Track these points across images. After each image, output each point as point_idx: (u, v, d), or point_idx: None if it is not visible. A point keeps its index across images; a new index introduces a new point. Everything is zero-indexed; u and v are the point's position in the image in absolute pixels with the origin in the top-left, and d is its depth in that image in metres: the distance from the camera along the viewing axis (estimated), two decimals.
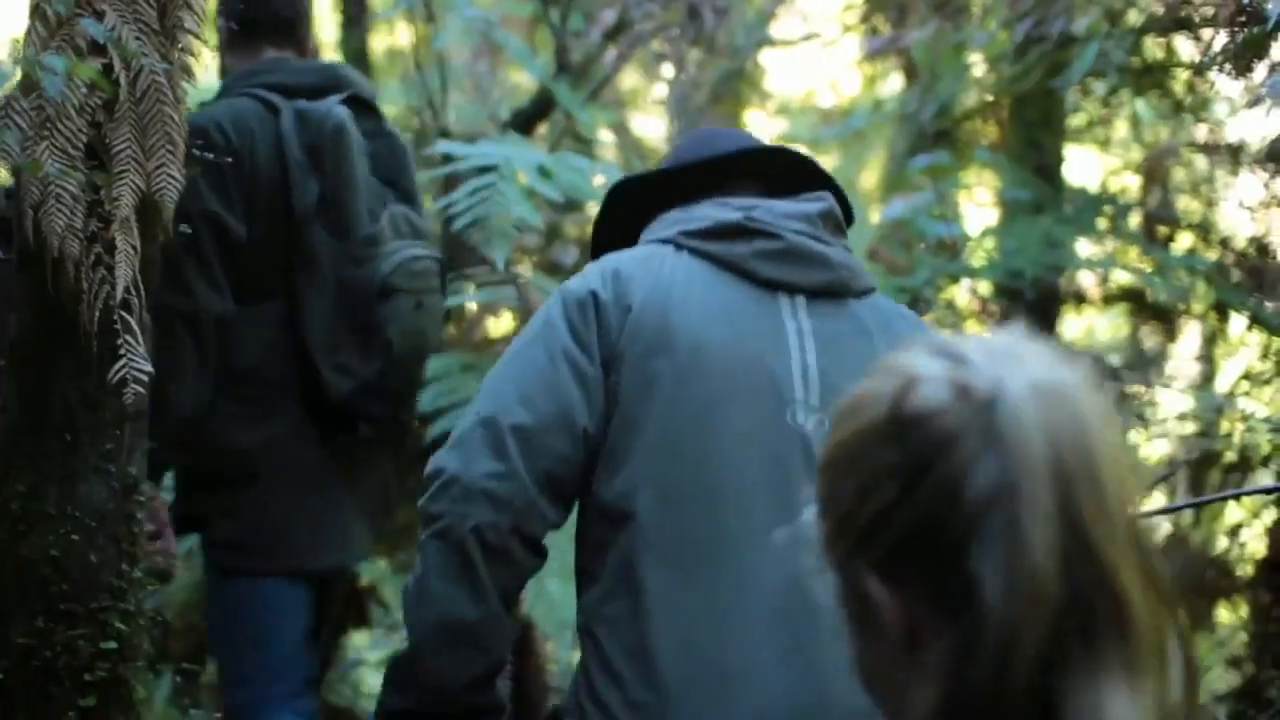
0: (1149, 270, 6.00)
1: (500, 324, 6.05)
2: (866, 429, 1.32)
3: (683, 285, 2.67)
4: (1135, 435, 5.48)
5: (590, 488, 2.62)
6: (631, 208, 2.90)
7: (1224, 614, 6.80)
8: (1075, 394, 1.27)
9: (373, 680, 6.42)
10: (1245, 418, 5.34)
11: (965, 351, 1.30)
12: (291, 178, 3.80)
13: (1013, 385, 1.26)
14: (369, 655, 6.59)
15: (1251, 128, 6.27)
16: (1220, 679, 6.58)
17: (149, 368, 2.86)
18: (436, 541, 2.54)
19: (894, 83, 8.80)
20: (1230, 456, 5.46)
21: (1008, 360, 1.28)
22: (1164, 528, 6.58)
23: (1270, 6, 3.93)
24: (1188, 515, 6.53)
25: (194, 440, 3.74)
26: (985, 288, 6.45)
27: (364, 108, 4.01)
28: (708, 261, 2.71)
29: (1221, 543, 6.44)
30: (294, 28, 4.03)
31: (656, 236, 2.79)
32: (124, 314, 2.86)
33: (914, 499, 1.27)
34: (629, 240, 2.85)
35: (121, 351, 2.84)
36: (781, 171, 2.85)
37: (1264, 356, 5.68)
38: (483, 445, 2.54)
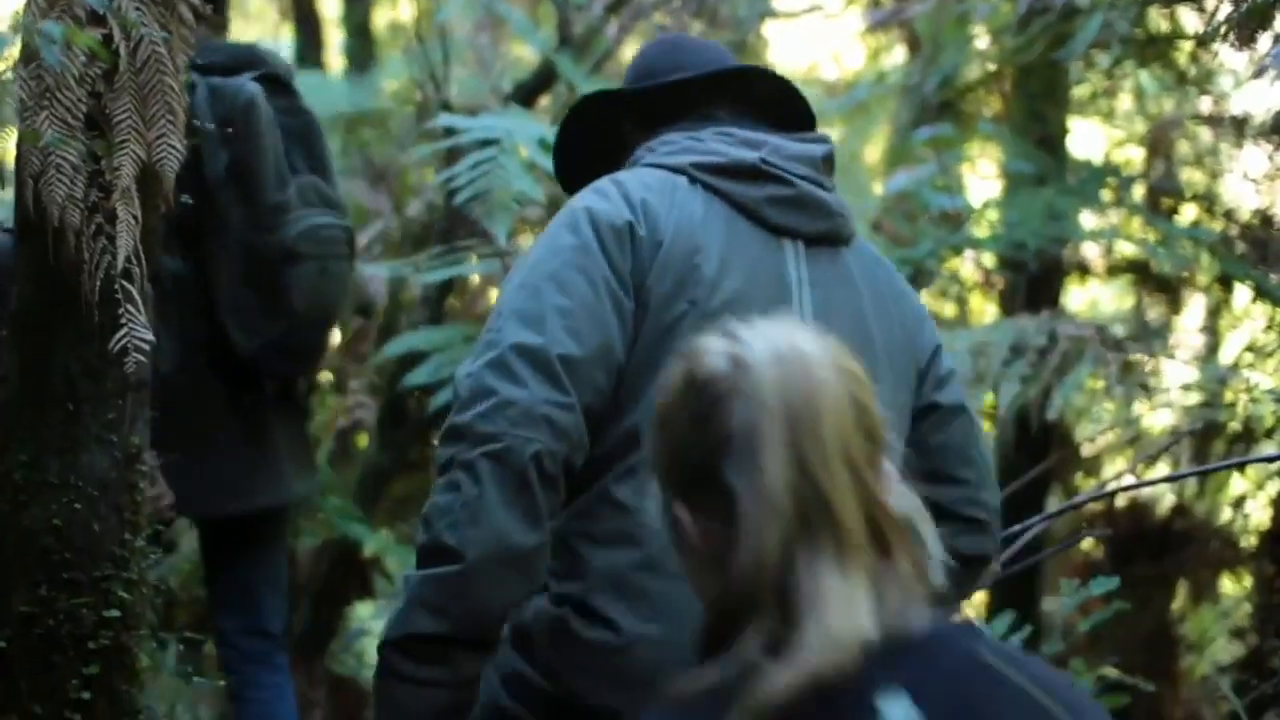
0: (1153, 241, 5.99)
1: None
2: (673, 395, 1.79)
3: (703, 225, 2.65)
4: (1139, 406, 5.47)
5: (598, 435, 2.58)
6: (602, 122, 2.89)
7: (1228, 585, 6.81)
8: (809, 360, 1.69)
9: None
10: (1250, 389, 5.34)
11: (740, 332, 1.76)
12: (203, 148, 3.95)
13: (761, 354, 1.70)
14: (373, 625, 6.61)
15: (1256, 100, 6.27)
16: (1224, 650, 6.60)
17: (150, 336, 2.86)
18: (492, 463, 2.44)
19: (897, 55, 8.78)
20: (1235, 427, 5.46)
21: (765, 337, 1.73)
22: (1168, 499, 6.60)
23: None
24: (1192, 486, 6.54)
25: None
26: (989, 259, 6.44)
27: (279, 86, 4.19)
28: (723, 201, 2.70)
29: (1226, 514, 6.45)
30: (217, 10, 4.15)
31: (665, 163, 2.74)
32: (125, 283, 2.86)
33: (698, 442, 1.74)
34: (601, 157, 2.85)
35: (123, 321, 2.84)
36: (762, 94, 2.84)
37: (1269, 328, 5.68)
38: (534, 371, 2.48)
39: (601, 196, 2.66)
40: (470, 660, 2.47)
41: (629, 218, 2.61)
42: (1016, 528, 4.05)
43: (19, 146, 2.87)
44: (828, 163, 2.81)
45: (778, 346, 1.72)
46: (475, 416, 2.46)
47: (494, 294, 6.08)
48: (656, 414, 1.82)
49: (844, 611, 1.61)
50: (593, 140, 2.90)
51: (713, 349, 1.76)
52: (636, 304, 2.59)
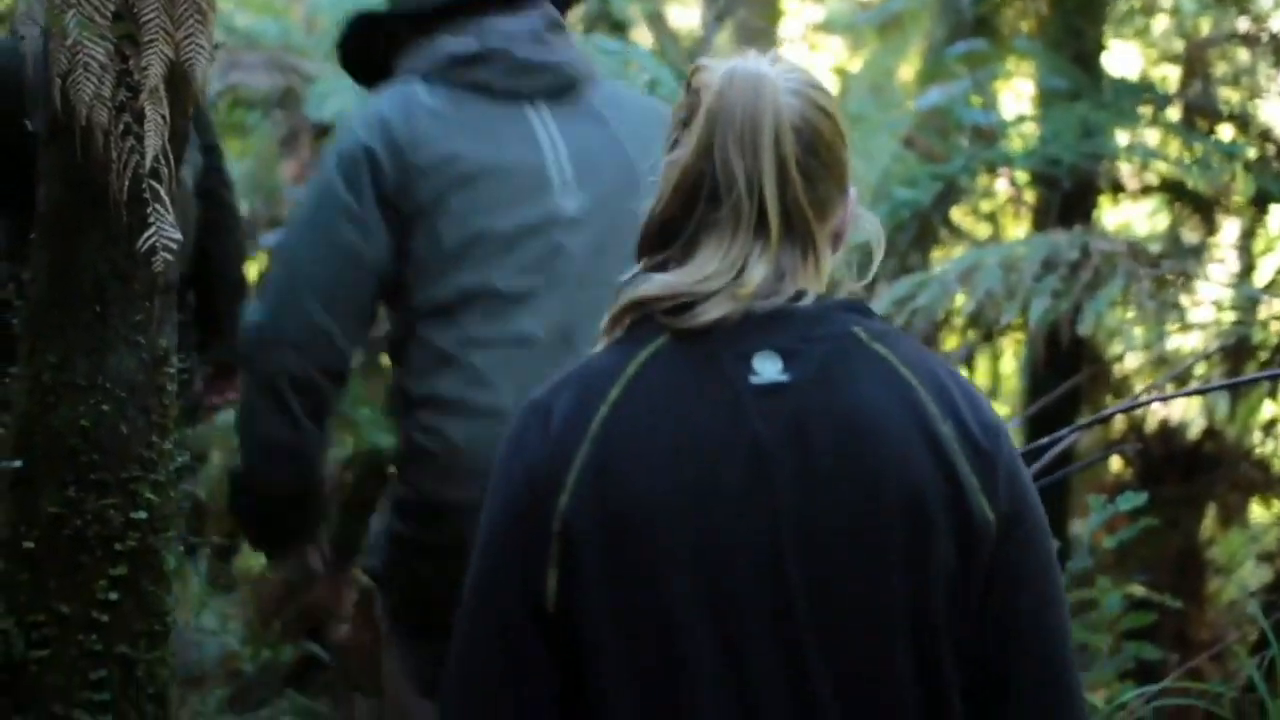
0: (1189, 160, 5.93)
1: None
2: (680, 101, 1.97)
3: (440, 113, 3.17)
4: (1171, 325, 5.44)
5: (407, 303, 3.18)
6: (373, 40, 3.36)
7: (1258, 510, 6.80)
8: (761, 77, 1.91)
9: None
10: None
11: (731, 61, 1.95)
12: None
13: (730, 72, 1.92)
14: None
15: None
16: (1252, 574, 6.59)
17: (179, 236, 2.85)
18: (251, 379, 3.20)
19: None
20: (1269, 342, 5.43)
21: (742, 62, 1.94)
22: (1198, 422, 6.58)
23: None
24: (1222, 409, 6.51)
25: None
26: (1022, 176, 6.39)
27: None
28: (456, 88, 3.20)
29: (1256, 438, 6.43)
30: None
31: (405, 69, 3.25)
32: (153, 183, 2.85)
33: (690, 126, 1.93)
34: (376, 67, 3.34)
35: (151, 221, 2.83)
36: None
37: None
38: (284, 303, 3.13)
39: (348, 132, 3.21)
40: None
41: (367, 144, 3.14)
42: (1044, 440, 4.03)
43: (47, 44, 2.85)
44: (548, 26, 3.27)
45: (742, 67, 1.95)
46: (241, 345, 3.20)
47: None
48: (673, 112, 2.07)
49: (724, 269, 1.88)
50: (376, 57, 3.37)
51: (711, 67, 1.97)
52: (399, 211, 3.14)
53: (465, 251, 3.14)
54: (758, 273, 1.87)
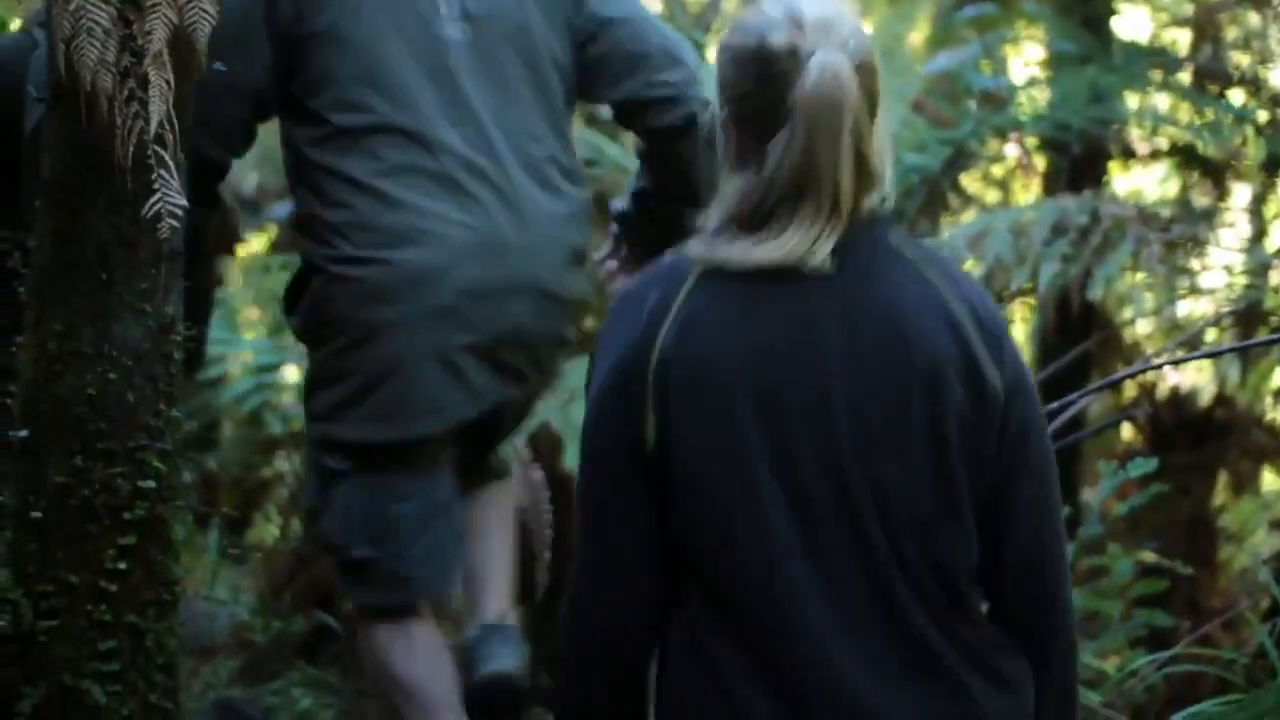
0: (1199, 124, 5.90)
1: None
2: (747, 55, 2.25)
3: None
4: (1181, 289, 5.42)
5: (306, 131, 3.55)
6: None
7: (1269, 477, 6.79)
8: (841, 75, 2.19)
9: None
10: None
11: (801, 11, 2.23)
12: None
13: (819, 69, 2.19)
14: None
15: None
16: (1264, 541, 6.59)
17: (184, 203, 2.83)
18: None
19: None
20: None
21: (825, 55, 2.19)
22: (1209, 390, 6.57)
23: None
24: (1234, 377, 6.49)
25: None
26: (1031, 141, 6.36)
27: None
28: None
29: (1267, 405, 6.42)
30: None
31: None
32: (158, 149, 2.84)
33: (762, 93, 2.23)
34: None
35: (156, 187, 2.81)
36: None
37: None
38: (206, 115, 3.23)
39: None
40: None
41: None
42: (1054, 405, 4.02)
43: (50, 9, 2.84)
44: None
45: (842, 36, 2.22)
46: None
47: None
48: (731, 58, 2.29)
49: (802, 247, 2.22)
50: None
51: (778, 26, 2.23)
52: (290, 38, 3.49)
53: (365, 82, 3.49)
54: (827, 247, 2.23)
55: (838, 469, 2.22)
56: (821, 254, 2.22)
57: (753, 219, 2.25)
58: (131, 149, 2.81)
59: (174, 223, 2.81)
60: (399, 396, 3.51)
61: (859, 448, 2.22)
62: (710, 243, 2.28)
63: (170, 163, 2.82)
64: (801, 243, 2.22)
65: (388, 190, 3.48)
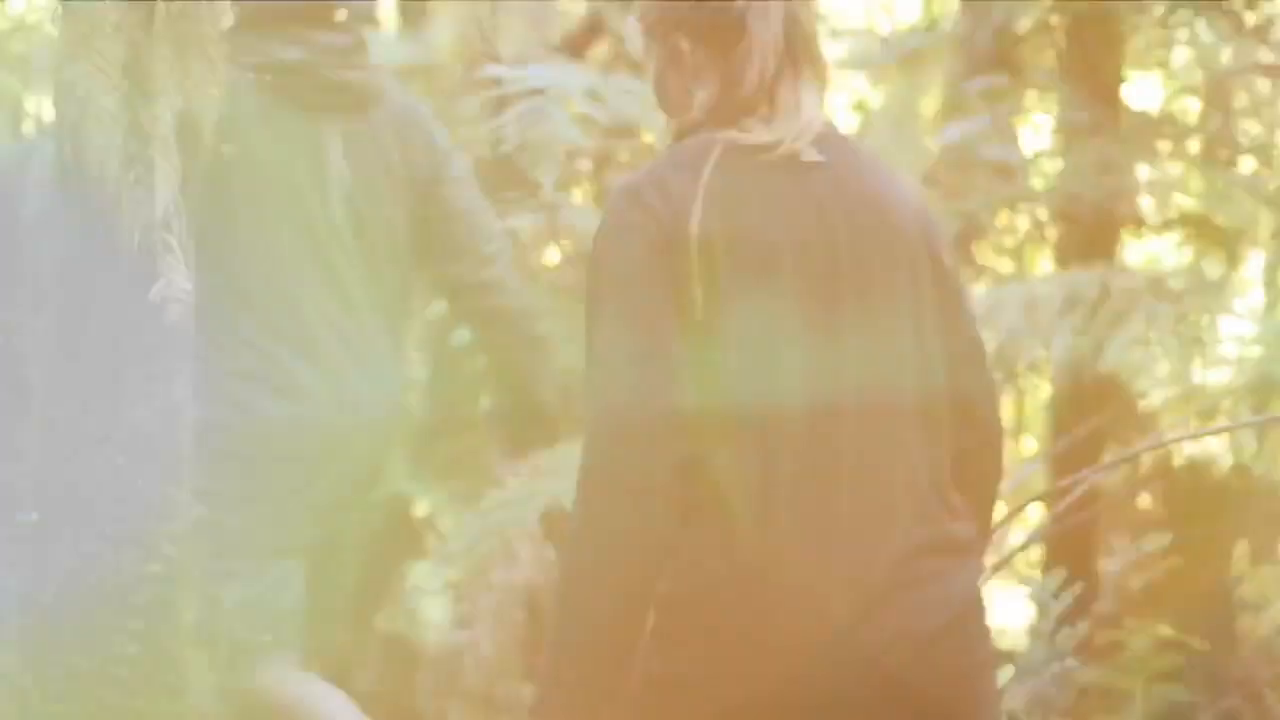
0: (1211, 194, 5.91)
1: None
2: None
3: (248, 113, 3.58)
4: (1195, 361, 5.40)
5: None
6: None
7: None
8: None
9: (430, 609, 6.46)
10: None
11: None
12: None
13: None
14: (427, 584, 6.61)
15: None
16: None
17: (190, 286, 2.84)
18: None
19: (951, 3, 8.67)
20: None
21: None
22: (1225, 459, 6.53)
23: None
24: (1250, 446, 6.46)
25: None
26: (1043, 212, 6.36)
27: None
28: (272, 93, 3.69)
29: None
30: None
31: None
32: (164, 235, 2.85)
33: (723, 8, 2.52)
34: None
35: (162, 271, 2.83)
36: None
37: None
38: None
39: None
40: None
41: None
42: (1068, 481, 4.00)
43: (57, 94, 2.85)
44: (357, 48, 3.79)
45: None
46: None
47: (544, 248, 6.06)
48: None
49: (811, 113, 2.54)
50: None
51: None
52: None
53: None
54: (819, 119, 2.55)
55: (837, 311, 2.49)
56: (816, 124, 2.54)
57: (754, 98, 2.53)
58: (138, 233, 2.82)
59: (180, 306, 2.82)
60: None
61: (857, 289, 2.51)
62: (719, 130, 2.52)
63: (176, 248, 2.83)
64: (800, 118, 2.53)
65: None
